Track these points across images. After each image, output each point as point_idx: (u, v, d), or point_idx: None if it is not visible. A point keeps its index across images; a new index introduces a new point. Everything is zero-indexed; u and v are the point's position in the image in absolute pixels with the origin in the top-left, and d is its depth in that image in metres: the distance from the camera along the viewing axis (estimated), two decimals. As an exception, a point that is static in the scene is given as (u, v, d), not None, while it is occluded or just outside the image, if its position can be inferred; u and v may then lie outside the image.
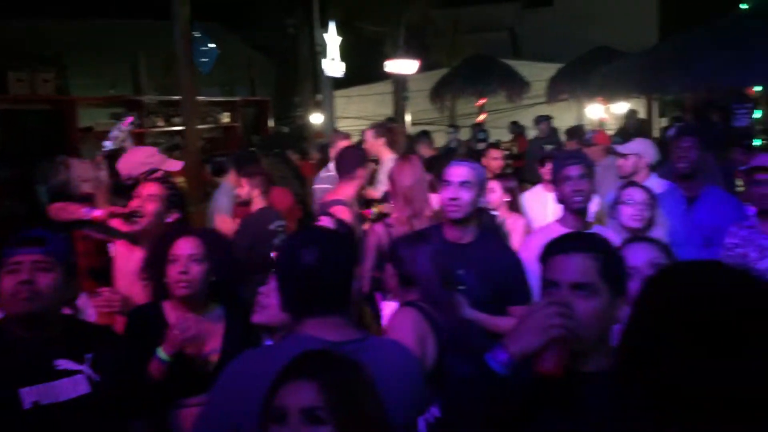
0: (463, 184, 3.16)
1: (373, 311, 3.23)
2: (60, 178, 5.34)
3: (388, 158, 5.46)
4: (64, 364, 2.38)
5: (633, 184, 3.70)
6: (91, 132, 8.70)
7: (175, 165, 4.33)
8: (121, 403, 2.47)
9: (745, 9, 10.61)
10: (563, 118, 14.13)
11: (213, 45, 7.57)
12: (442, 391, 2.19)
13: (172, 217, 3.53)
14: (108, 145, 4.93)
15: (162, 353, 2.64)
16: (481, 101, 14.06)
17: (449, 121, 16.48)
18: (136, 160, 4.19)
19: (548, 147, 7.51)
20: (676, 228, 3.47)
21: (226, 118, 11.30)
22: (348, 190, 4.09)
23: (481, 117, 14.12)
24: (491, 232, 3.33)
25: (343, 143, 5.38)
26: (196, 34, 6.90)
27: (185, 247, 2.77)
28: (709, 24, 8.37)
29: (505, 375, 1.61)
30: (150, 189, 3.57)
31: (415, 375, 2.08)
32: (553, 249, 1.82)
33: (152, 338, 2.70)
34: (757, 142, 11.41)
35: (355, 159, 4.17)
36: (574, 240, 1.84)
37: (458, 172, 3.21)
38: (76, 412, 2.37)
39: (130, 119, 5.14)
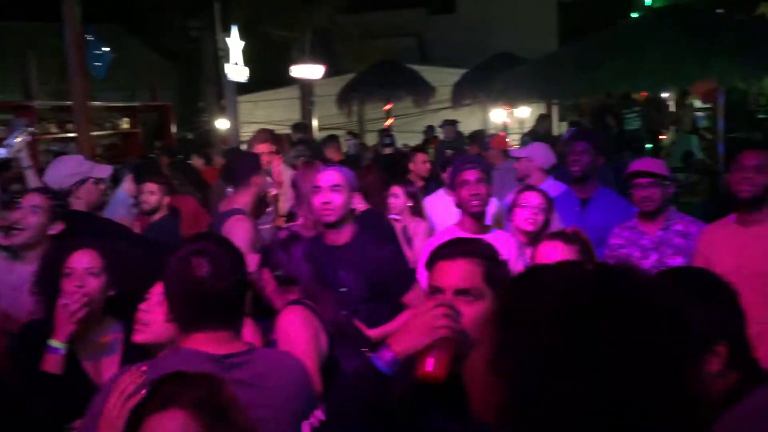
0: (333, 188, 3.25)
1: None
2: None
3: (277, 165, 5.38)
4: None
5: (529, 187, 3.78)
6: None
7: (104, 171, 4.16)
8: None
9: (635, 18, 11.14)
10: (469, 122, 14.43)
11: (107, 48, 7.26)
12: (328, 389, 2.17)
13: (55, 229, 3.35)
14: (1, 152, 4.67)
15: (55, 342, 2.49)
16: (388, 106, 14.16)
17: (357, 127, 16.52)
18: (65, 171, 4.01)
19: (450, 152, 7.64)
20: (568, 229, 3.56)
21: (125, 124, 10.92)
22: (244, 198, 3.99)
23: (388, 122, 14.22)
24: (368, 230, 3.38)
25: (261, 147, 5.22)
26: (89, 38, 6.60)
27: (82, 260, 2.63)
28: (604, 32, 8.72)
29: (388, 375, 1.61)
30: (33, 200, 3.38)
31: (301, 384, 2.06)
32: (437, 255, 1.82)
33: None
34: (648, 146, 12.00)
35: (248, 166, 4.07)
36: (458, 246, 1.85)
37: (328, 177, 3.29)
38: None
39: (27, 127, 4.88)
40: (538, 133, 10.95)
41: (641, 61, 7.10)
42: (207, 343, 1.90)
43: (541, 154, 4.68)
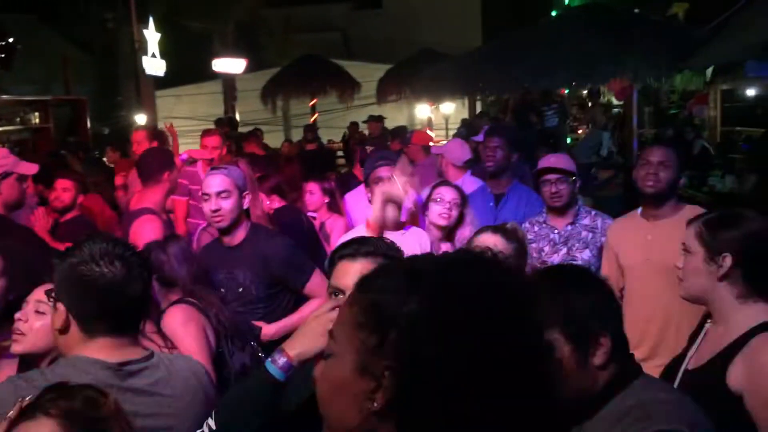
0: (220, 194, 3.17)
1: None
2: None
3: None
4: None
5: (444, 183, 3.79)
6: None
7: (30, 168, 3.84)
8: None
9: (555, 15, 11.38)
10: (395, 118, 14.46)
11: (11, 39, 6.92)
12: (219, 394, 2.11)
13: None
14: None
15: None
16: (313, 101, 14.06)
17: (282, 122, 16.33)
18: None
19: (369, 148, 7.63)
20: (482, 225, 3.58)
21: (36, 119, 10.46)
22: (155, 197, 3.85)
23: (313, 117, 14.12)
24: (261, 227, 3.37)
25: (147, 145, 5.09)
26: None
27: None
28: (524, 29, 8.87)
29: (281, 381, 1.57)
30: None
31: (203, 390, 1.98)
32: (339, 255, 1.78)
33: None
34: (569, 141, 12.28)
35: (159, 162, 3.93)
36: (360, 245, 1.81)
37: (214, 182, 3.19)
38: None
39: None
40: (473, 128, 11.06)
41: (559, 58, 7.24)
42: (104, 351, 1.80)
43: (457, 150, 4.70)
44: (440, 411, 0.89)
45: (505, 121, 12.09)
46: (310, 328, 1.58)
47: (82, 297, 1.82)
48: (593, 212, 3.72)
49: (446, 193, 3.56)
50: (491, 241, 2.73)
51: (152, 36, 9.14)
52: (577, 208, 3.69)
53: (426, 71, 10.57)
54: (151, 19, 9.19)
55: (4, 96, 9.95)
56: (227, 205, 3.19)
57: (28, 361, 2.39)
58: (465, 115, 13.68)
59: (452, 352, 0.88)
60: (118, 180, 6.37)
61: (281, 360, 1.57)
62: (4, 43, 6.63)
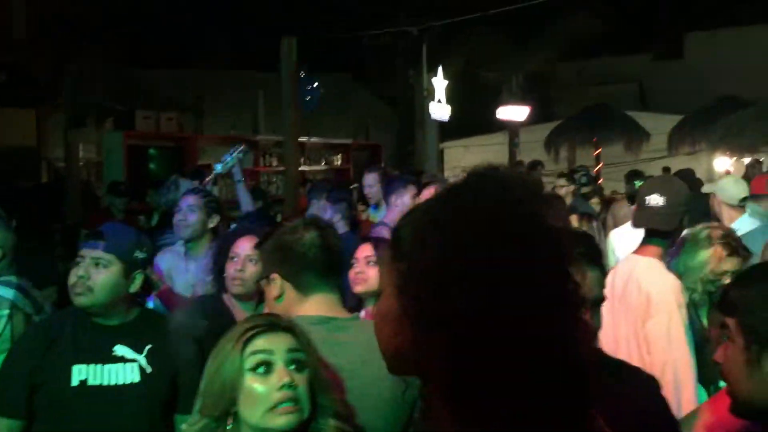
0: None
1: None
2: (170, 197, 5.77)
3: None
4: (121, 351, 2.53)
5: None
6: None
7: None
8: (168, 398, 2.58)
9: None
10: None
11: (317, 84, 7.92)
12: None
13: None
14: (218, 168, 5.28)
15: None
16: (598, 151, 13.71)
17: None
18: None
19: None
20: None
21: (338, 160, 11.73)
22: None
23: (597, 168, 13.76)
24: None
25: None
26: (302, 74, 7.27)
27: None
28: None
29: None
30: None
31: None
32: None
33: None
34: None
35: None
36: None
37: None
38: (121, 398, 2.53)
39: (243, 147, 5.48)
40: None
41: None
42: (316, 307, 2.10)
43: (731, 187, 4.36)
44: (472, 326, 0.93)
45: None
46: None
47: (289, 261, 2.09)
48: None
49: None
50: None
51: (440, 83, 9.76)
52: None
53: (724, 120, 9.84)
54: (440, 68, 9.82)
55: (314, 139, 11.31)
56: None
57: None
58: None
59: (474, 268, 0.93)
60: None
61: None
62: (311, 88, 7.65)
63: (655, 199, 2.86)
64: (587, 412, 0.97)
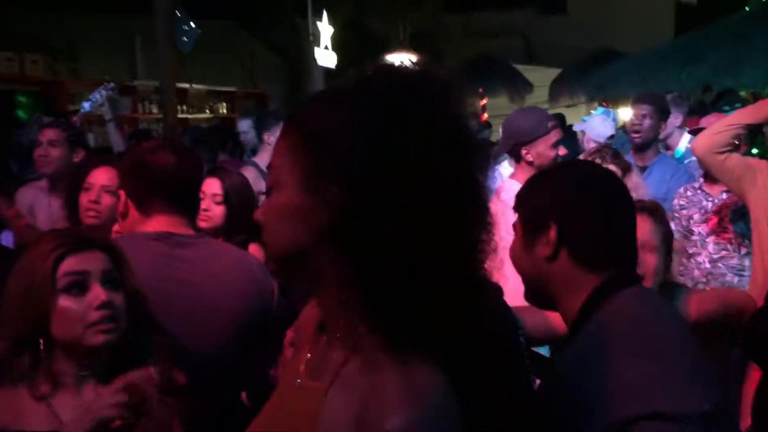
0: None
1: None
2: (32, 136, 5.39)
3: None
4: None
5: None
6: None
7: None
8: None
9: (746, 11, 10.49)
10: (571, 122, 14.04)
11: (194, 25, 7.56)
12: None
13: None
14: (85, 106, 4.97)
15: None
16: (483, 101, 14.02)
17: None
18: None
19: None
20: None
21: (223, 108, 11.38)
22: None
23: (483, 116, 14.09)
24: None
25: None
26: (178, 13, 6.92)
27: None
28: (710, 26, 8.30)
29: None
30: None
31: (256, 283, 2.12)
32: None
33: None
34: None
35: None
36: None
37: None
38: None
39: (112, 85, 5.19)
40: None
41: (745, 56, 6.74)
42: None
43: (599, 125, 4.54)
44: (385, 225, 0.91)
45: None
46: None
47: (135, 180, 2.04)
48: None
49: None
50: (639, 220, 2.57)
51: (325, 29, 9.59)
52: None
53: (600, 72, 10.21)
54: (325, 13, 9.65)
55: (197, 86, 10.91)
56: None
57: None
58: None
59: (389, 158, 0.92)
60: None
61: None
62: (188, 29, 7.29)
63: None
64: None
